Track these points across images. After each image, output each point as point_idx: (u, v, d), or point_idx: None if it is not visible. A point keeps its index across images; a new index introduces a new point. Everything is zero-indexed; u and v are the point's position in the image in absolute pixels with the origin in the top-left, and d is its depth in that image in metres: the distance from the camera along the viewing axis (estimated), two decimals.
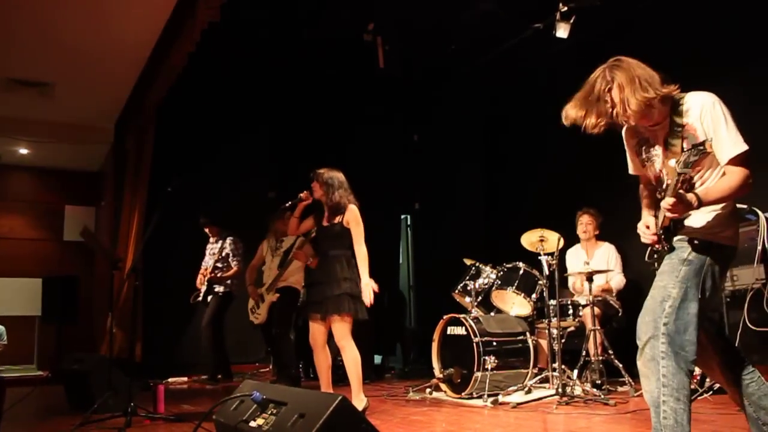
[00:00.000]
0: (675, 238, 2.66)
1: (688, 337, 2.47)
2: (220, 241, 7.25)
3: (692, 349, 2.46)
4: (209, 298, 7.14)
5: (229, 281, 7.17)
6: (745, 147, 2.51)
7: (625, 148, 2.96)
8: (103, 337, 7.48)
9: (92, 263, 9.48)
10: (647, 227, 2.70)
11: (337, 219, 4.83)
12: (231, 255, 7.19)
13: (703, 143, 2.37)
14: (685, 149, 2.50)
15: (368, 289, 4.57)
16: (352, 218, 4.79)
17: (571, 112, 2.71)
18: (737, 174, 2.50)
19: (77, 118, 8.31)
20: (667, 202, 2.45)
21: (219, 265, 7.17)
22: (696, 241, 2.62)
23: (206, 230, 7.39)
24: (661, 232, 2.66)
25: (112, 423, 4.43)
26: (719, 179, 2.58)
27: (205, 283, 7.13)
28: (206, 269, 7.19)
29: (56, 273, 8.69)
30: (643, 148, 2.83)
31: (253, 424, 2.32)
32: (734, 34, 5.58)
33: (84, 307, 8.61)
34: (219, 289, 7.15)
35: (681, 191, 2.45)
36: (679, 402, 2.41)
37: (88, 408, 4.71)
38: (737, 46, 5.54)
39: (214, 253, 7.23)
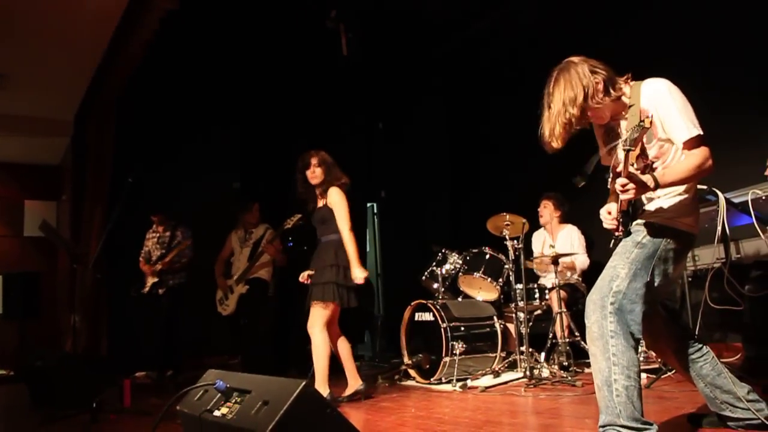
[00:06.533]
0: (633, 222, 2.69)
1: (634, 316, 2.51)
2: (169, 231, 6.88)
3: (637, 328, 2.51)
4: (160, 290, 6.75)
5: (182, 272, 6.83)
6: (697, 131, 2.53)
7: (596, 137, 2.98)
8: (67, 333, 7.35)
9: (54, 258, 9.30)
10: (608, 213, 2.73)
11: (323, 202, 4.85)
12: (183, 244, 6.78)
13: (643, 120, 2.39)
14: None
15: (357, 278, 4.65)
16: (334, 201, 4.79)
17: (544, 134, 2.71)
18: (694, 157, 2.52)
19: (34, 110, 8.10)
20: (619, 182, 2.47)
21: (172, 254, 6.77)
22: (652, 226, 2.64)
23: (153, 219, 7.00)
24: (619, 216, 2.68)
25: (77, 419, 4.37)
26: (678, 162, 2.61)
27: (153, 274, 6.74)
28: (147, 259, 6.87)
29: (17, 269, 8.51)
30: (610, 140, 2.86)
31: (217, 413, 2.29)
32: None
33: (47, 303, 8.45)
34: (173, 281, 6.76)
35: (634, 171, 2.47)
36: (629, 379, 2.44)
37: (52, 405, 4.63)
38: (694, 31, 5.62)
39: (163, 243, 6.85)
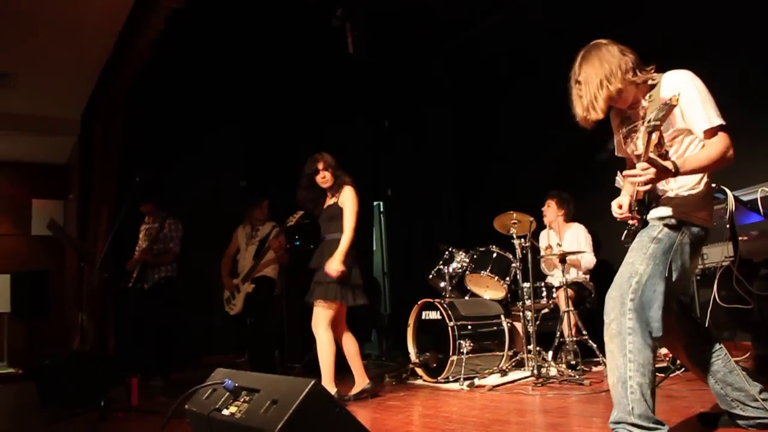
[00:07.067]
0: (648, 216, 2.68)
1: (653, 313, 2.49)
2: (157, 222, 6.64)
3: (657, 326, 2.48)
4: (145, 285, 6.57)
5: (168, 266, 6.66)
6: (719, 121, 2.53)
7: (612, 128, 2.98)
8: (75, 332, 7.36)
9: (62, 257, 9.32)
10: (620, 206, 2.72)
11: (333, 200, 4.87)
12: (170, 237, 6.63)
13: (670, 99, 2.38)
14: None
15: (331, 268, 4.58)
16: (347, 198, 4.81)
17: (578, 112, 2.74)
18: (716, 145, 2.51)
19: (41, 109, 8.10)
20: (640, 166, 2.46)
21: (155, 247, 6.59)
22: (667, 220, 2.63)
23: (143, 210, 6.79)
24: (635, 206, 2.67)
25: (85, 417, 4.38)
26: (699, 150, 2.59)
27: (135, 267, 6.51)
28: (138, 251, 6.67)
29: (25, 268, 8.54)
30: (626, 127, 2.86)
31: (225, 412, 2.29)
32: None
33: (54, 302, 8.48)
34: (160, 274, 6.61)
35: (654, 157, 2.45)
36: (644, 377, 2.43)
37: (60, 403, 4.64)
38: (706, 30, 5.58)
39: (151, 234, 6.63)
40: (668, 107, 2.36)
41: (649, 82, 2.68)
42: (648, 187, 2.52)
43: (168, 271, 6.67)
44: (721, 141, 2.51)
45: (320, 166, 4.86)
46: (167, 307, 6.62)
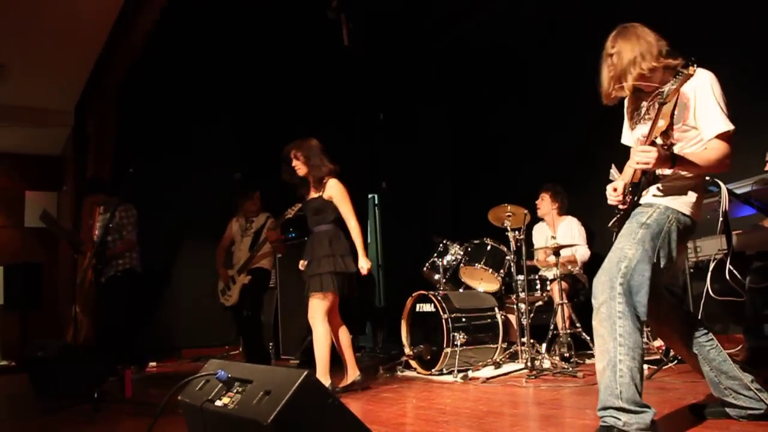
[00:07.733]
0: (640, 200, 2.69)
1: (640, 298, 2.51)
2: (109, 212, 6.19)
3: (643, 310, 2.51)
4: (102, 279, 6.33)
5: (126, 256, 6.40)
6: (730, 126, 2.57)
7: (624, 114, 2.99)
8: (69, 324, 7.35)
9: (55, 249, 9.31)
10: (614, 190, 2.74)
11: (318, 193, 4.82)
12: (122, 225, 6.34)
13: (687, 69, 2.42)
14: (675, 113, 2.57)
15: (363, 269, 4.71)
16: (334, 193, 4.78)
17: (604, 86, 2.77)
18: (717, 150, 2.56)
19: (35, 100, 8.08)
20: (642, 148, 2.47)
21: (110, 238, 6.29)
22: (656, 207, 2.65)
23: (94, 201, 6.54)
24: (629, 189, 2.70)
25: (78, 409, 4.37)
26: (701, 150, 2.62)
27: (93, 260, 6.20)
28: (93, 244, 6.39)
29: (18, 260, 8.52)
30: (638, 112, 2.87)
31: (218, 403, 2.28)
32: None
33: (48, 294, 8.46)
34: (117, 267, 6.35)
35: (657, 140, 2.45)
36: (634, 361, 2.45)
37: (54, 395, 4.63)
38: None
39: (104, 225, 6.18)
40: (683, 76, 2.40)
41: (678, 68, 2.69)
42: (648, 167, 2.51)
43: (126, 263, 6.41)
44: (722, 147, 2.56)
45: (292, 154, 4.81)
46: (127, 301, 6.39)
